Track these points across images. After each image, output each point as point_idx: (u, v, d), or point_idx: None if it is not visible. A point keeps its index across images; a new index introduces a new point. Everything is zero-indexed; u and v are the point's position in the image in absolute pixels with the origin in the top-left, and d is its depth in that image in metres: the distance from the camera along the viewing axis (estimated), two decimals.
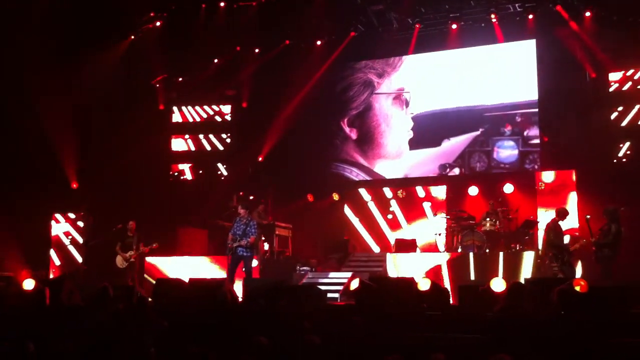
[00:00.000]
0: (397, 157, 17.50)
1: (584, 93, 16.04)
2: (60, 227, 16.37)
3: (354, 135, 18.09)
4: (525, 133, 16.36)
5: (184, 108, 19.38)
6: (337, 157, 18.22)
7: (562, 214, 12.03)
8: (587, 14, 15.50)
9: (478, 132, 16.72)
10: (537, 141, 16.28)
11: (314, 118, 18.51)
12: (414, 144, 17.31)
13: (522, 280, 10.34)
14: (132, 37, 17.49)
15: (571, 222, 13.94)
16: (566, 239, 12.43)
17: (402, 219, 17.18)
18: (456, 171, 16.90)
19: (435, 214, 16.27)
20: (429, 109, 17.32)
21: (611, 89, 15.82)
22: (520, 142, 16.37)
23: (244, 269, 12.20)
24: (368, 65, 18.12)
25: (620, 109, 15.65)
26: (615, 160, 15.55)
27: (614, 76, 15.77)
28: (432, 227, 16.11)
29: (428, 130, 17.15)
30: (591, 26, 15.50)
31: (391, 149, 17.57)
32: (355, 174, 17.94)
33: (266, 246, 15.13)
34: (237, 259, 12.14)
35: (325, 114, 18.58)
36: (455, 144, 16.83)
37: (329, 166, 18.31)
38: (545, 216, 14.20)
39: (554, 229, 11.80)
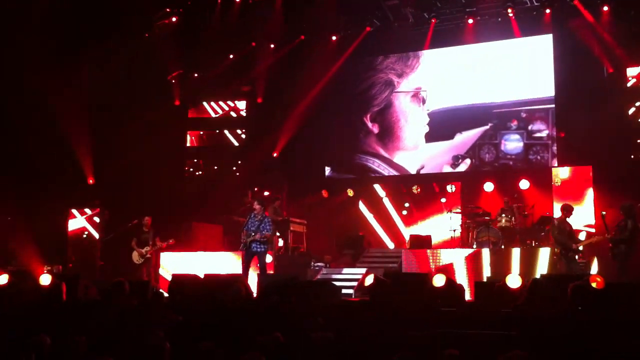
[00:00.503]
0: (414, 149, 17.99)
1: (601, 88, 15.84)
2: (76, 223, 16.42)
3: (375, 129, 18.59)
4: (529, 127, 16.82)
5: (199, 104, 19.44)
6: (361, 149, 18.73)
7: (568, 210, 11.84)
8: (605, 8, 15.38)
9: (487, 127, 17.24)
10: (540, 134, 16.70)
11: (330, 113, 18.70)
12: (430, 137, 17.78)
13: (537, 277, 10.27)
14: (148, 33, 17.52)
15: (587, 218, 13.88)
16: (582, 235, 12.33)
17: (417, 215, 17.25)
18: (467, 162, 17.38)
19: (449, 210, 16.20)
20: (444, 105, 17.68)
21: (629, 84, 15.70)
22: (525, 135, 16.87)
23: (258, 264, 12.19)
24: (389, 67, 18.55)
25: (638, 104, 15.53)
26: (632, 156, 15.42)
27: (632, 71, 15.64)
28: (447, 224, 16.05)
29: (442, 125, 17.61)
30: (608, 20, 15.38)
31: (409, 142, 18.11)
32: (377, 165, 18.46)
33: (281, 242, 15.09)
34: (251, 254, 12.06)
35: (344, 109, 18.91)
36: (466, 138, 17.40)
37: (352, 157, 18.75)
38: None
39: (557, 226, 11.69)
